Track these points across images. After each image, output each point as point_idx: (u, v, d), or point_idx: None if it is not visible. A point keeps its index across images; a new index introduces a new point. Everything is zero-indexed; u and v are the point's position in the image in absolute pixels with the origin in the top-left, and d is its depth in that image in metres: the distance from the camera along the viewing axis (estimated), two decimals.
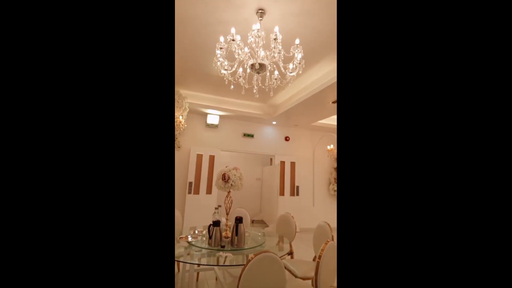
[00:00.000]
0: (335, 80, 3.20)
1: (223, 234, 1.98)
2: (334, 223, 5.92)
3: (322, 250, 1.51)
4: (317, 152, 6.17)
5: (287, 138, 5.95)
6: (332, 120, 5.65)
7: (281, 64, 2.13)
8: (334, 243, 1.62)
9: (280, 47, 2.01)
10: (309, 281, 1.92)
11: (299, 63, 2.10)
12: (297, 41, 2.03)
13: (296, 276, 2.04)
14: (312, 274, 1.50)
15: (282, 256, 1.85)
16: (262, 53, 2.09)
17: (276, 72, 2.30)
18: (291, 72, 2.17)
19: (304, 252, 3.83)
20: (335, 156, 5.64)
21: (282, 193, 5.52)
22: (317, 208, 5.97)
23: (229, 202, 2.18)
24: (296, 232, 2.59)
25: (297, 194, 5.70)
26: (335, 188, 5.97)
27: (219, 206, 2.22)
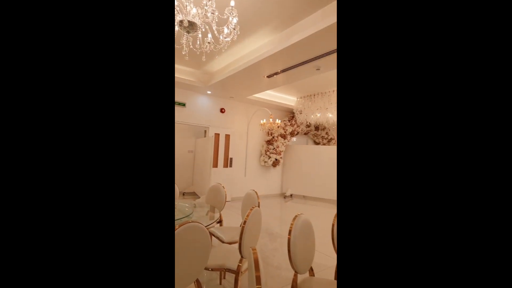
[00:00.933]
0: (270, 53, 3.21)
1: None
2: (261, 191, 6.40)
3: (247, 216, 1.59)
4: (250, 125, 6.33)
5: (223, 110, 5.84)
6: (266, 95, 5.81)
7: (214, 27, 1.96)
8: (258, 209, 1.73)
9: (214, 6, 1.83)
10: (236, 245, 2.04)
11: (234, 29, 1.98)
12: (232, 3, 1.88)
13: (223, 242, 2.14)
14: (238, 238, 1.59)
15: (210, 225, 1.88)
16: (193, 10, 1.86)
17: (209, 35, 2.12)
18: (225, 37, 2.03)
19: (234, 219, 4.05)
20: (267, 130, 5.92)
21: (215, 165, 5.53)
22: (248, 178, 6.29)
23: None
24: (226, 201, 2.66)
25: (230, 166, 5.83)
26: (265, 160, 6.37)
27: None
